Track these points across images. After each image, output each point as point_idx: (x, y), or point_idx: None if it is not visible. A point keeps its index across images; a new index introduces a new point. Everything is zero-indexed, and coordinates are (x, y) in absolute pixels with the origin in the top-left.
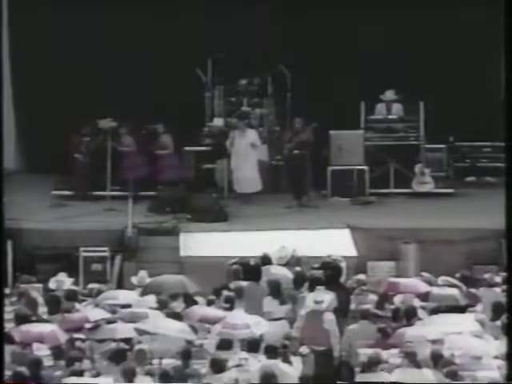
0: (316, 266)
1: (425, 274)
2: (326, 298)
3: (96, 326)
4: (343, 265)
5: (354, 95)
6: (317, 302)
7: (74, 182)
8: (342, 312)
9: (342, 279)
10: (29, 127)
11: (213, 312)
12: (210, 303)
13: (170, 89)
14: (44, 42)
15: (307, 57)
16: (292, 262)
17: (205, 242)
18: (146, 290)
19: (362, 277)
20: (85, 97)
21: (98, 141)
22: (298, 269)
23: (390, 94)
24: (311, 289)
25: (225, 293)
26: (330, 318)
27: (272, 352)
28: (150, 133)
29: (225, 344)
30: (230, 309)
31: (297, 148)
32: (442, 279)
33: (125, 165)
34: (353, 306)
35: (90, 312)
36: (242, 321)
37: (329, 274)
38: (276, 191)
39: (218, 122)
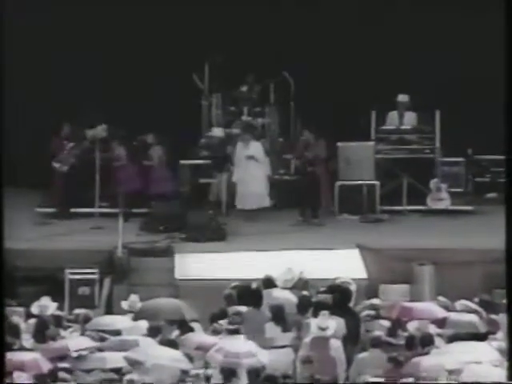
0: (323, 289)
1: (441, 298)
2: (331, 323)
3: (83, 355)
4: (353, 288)
5: (363, 104)
6: (321, 329)
7: (55, 197)
8: (352, 339)
9: (352, 304)
10: (12, 137)
11: (211, 339)
12: (215, 332)
13: (163, 96)
14: (29, 45)
15: (312, 62)
16: (299, 285)
17: (202, 264)
18: (138, 316)
19: (372, 301)
20: (73, 104)
21: (82, 149)
22: (303, 293)
23: (403, 98)
24: (316, 314)
25: (230, 316)
26: (336, 346)
27: (271, 382)
28: (140, 144)
29: (228, 374)
30: (236, 332)
31: (310, 165)
32: (459, 304)
33: (114, 179)
34: (362, 333)
35: (70, 340)
36: (246, 349)
37: (337, 298)
38: (279, 208)
39: (218, 132)
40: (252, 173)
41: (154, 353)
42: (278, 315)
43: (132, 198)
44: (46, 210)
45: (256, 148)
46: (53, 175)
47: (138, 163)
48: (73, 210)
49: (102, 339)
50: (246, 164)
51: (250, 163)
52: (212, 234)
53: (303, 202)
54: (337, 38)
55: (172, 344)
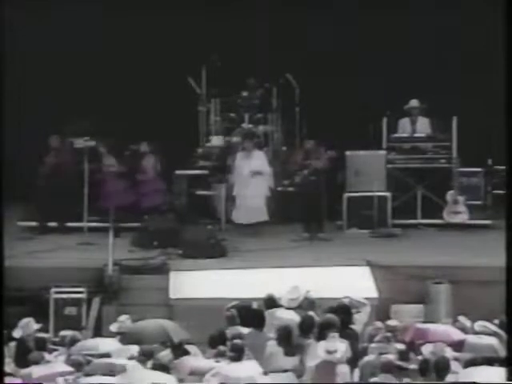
0: (328, 309)
1: (459, 318)
2: (340, 347)
3: (71, 380)
4: (367, 309)
5: (374, 110)
6: (329, 352)
7: (31, 211)
8: (352, 362)
9: (361, 325)
10: None
11: (207, 363)
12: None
13: (157, 102)
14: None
15: (319, 65)
16: (304, 304)
17: (199, 282)
18: (123, 340)
19: (385, 322)
20: (62, 111)
21: (64, 158)
22: (307, 313)
23: (415, 103)
24: (321, 336)
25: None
26: (343, 371)
27: None
28: (133, 154)
29: None
30: (238, 359)
31: (311, 175)
32: (478, 325)
33: (104, 191)
34: (373, 357)
35: (34, 368)
36: (245, 373)
37: (343, 318)
38: (283, 221)
39: (218, 140)
40: (257, 186)
41: (145, 378)
42: (285, 337)
43: (123, 211)
44: (29, 224)
45: (260, 159)
46: (34, 187)
47: (130, 174)
48: (59, 224)
49: (89, 363)
50: (248, 176)
51: (257, 175)
52: (211, 250)
53: (306, 215)
54: (345, 38)
55: (164, 368)
